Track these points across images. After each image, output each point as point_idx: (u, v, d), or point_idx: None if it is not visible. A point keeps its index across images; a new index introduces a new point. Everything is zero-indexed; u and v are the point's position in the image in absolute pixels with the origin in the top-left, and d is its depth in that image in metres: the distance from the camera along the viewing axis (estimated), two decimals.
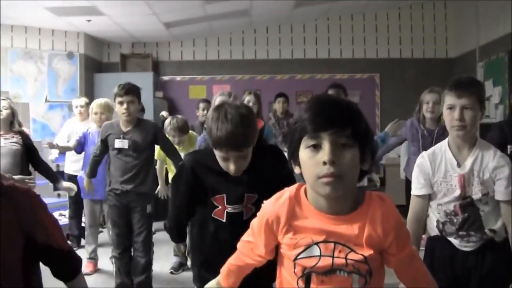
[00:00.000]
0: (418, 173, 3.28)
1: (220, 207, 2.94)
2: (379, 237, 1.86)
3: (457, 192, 3.10)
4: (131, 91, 5.19)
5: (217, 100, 3.94)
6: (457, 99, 3.04)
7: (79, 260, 2.49)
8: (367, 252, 1.84)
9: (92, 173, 5.73)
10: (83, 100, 7.49)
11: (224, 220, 2.95)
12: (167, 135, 6.37)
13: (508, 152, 4.10)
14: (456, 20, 10.93)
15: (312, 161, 1.76)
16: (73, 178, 6.52)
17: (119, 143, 5.26)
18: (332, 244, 1.85)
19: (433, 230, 3.30)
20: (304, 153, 1.79)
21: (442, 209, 3.17)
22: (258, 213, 2.06)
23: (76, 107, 7.47)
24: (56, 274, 2.41)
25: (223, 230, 2.95)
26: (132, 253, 5.50)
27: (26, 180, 4.77)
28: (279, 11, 10.14)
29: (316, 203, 1.88)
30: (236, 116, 2.66)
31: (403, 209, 4.69)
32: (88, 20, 9.09)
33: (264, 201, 2.04)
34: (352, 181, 1.80)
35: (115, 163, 5.34)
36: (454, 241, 3.20)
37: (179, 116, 6.56)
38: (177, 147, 6.38)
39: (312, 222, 1.88)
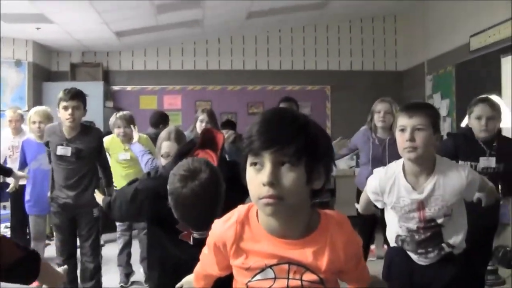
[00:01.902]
0: (370, 191, 3.30)
1: (186, 232, 2.92)
2: (340, 262, 1.84)
3: (415, 216, 3.10)
4: (77, 96, 5.03)
5: (162, 146, 3.84)
6: (408, 119, 3.00)
7: (35, 260, 2.39)
8: (324, 274, 1.82)
9: None
10: (18, 114, 7.13)
11: (192, 243, 2.92)
12: (113, 128, 6.23)
13: None
14: (406, 34, 11.10)
15: (254, 181, 1.70)
16: (18, 190, 6.35)
17: (61, 150, 5.10)
18: (286, 266, 1.81)
19: (393, 241, 3.31)
20: (248, 171, 1.73)
21: (404, 225, 3.17)
22: (210, 232, 2.01)
23: (11, 121, 7.09)
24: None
25: (190, 251, 2.91)
26: (77, 260, 5.41)
27: None
28: (231, 22, 10.14)
29: (267, 224, 1.82)
30: (201, 199, 2.59)
31: (355, 220, 4.73)
32: (37, 28, 8.95)
33: (215, 221, 1.99)
34: (297, 202, 1.73)
35: (58, 169, 5.21)
36: (413, 255, 3.22)
37: (126, 111, 6.50)
38: (123, 146, 6.23)
39: (264, 247, 1.83)
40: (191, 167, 2.64)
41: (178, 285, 2.51)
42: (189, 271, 2.44)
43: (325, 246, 1.82)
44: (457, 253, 3.17)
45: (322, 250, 1.81)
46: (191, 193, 2.56)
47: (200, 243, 2.63)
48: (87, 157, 5.19)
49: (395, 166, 3.19)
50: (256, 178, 1.69)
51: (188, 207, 2.59)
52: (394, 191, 3.12)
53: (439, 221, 3.08)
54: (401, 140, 3.04)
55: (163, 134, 3.96)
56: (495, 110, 4.46)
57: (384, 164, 5.26)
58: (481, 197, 3.52)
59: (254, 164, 1.69)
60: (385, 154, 5.43)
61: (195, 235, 2.90)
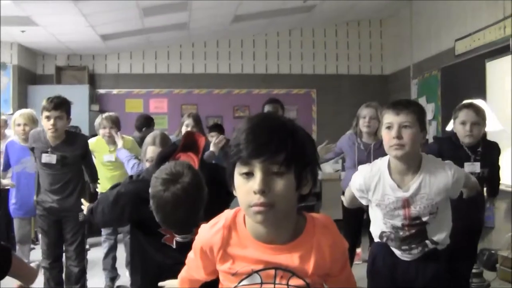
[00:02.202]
0: (355, 188, 3.30)
1: (168, 235, 2.91)
2: (326, 265, 1.85)
3: (400, 214, 3.10)
4: (59, 106, 4.97)
5: (147, 151, 3.84)
6: (395, 117, 3.00)
7: (7, 256, 2.37)
8: (310, 278, 1.81)
9: None
10: (2, 120, 6.95)
11: (175, 247, 2.91)
12: (98, 129, 6.22)
13: None
14: (391, 38, 11.14)
15: (244, 188, 1.69)
16: (3, 193, 6.31)
17: (46, 158, 5.06)
18: (273, 271, 1.81)
19: (377, 237, 3.31)
20: (237, 179, 1.72)
21: (389, 222, 3.18)
22: (196, 236, 2.00)
23: None
24: None
25: (173, 255, 2.90)
26: (64, 263, 5.38)
27: None
28: (217, 26, 10.14)
29: (254, 230, 1.82)
30: (183, 202, 2.59)
31: (341, 223, 4.74)
32: (22, 31, 8.89)
33: (202, 225, 1.98)
34: (287, 209, 1.73)
35: (43, 174, 5.19)
36: (396, 251, 3.23)
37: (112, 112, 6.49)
38: (108, 147, 6.22)
39: (250, 252, 1.82)
40: (174, 170, 2.64)
41: (160, 284, 2.50)
42: (172, 275, 2.44)
43: (311, 249, 1.82)
44: (441, 249, 3.19)
45: (308, 254, 1.81)
46: (172, 197, 2.56)
47: (183, 247, 2.63)
48: (72, 164, 5.17)
49: (380, 163, 3.19)
50: (246, 186, 1.68)
51: (170, 211, 2.58)
52: (379, 188, 3.12)
53: (424, 219, 3.08)
54: (388, 137, 3.03)
55: (148, 138, 3.95)
56: (480, 116, 4.48)
57: None
58: (463, 190, 3.56)
59: (244, 172, 1.68)
60: (370, 158, 5.44)
61: (178, 238, 2.88)
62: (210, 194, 2.72)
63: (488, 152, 4.59)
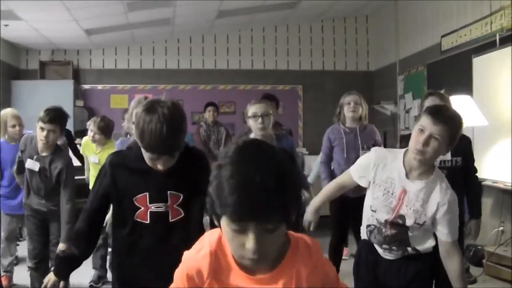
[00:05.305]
0: (358, 165, 3.30)
1: (142, 208, 2.83)
2: None
3: (391, 205, 3.08)
4: (54, 120, 4.88)
5: (134, 115, 3.83)
6: (432, 125, 2.94)
7: None
8: None
9: (19, 170, 5.42)
10: None
11: (148, 222, 2.84)
12: (88, 129, 6.24)
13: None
14: (378, 34, 11.15)
15: (235, 241, 1.60)
16: None
17: (30, 164, 5.03)
18: None
19: (364, 233, 3.30)
20: (226, 229, 1.61)
21: (375, 216, 3.16)
22: (180, 264, 1.91)
23: None
24: None
25: (146, 234, 2.84)
26: (49, 265, 5.31)
27: None
28: (202, 21, 10.10)
29: (238, 259, 1.74)
30: (169, 121, 2.57)
31: (327, 219, 4.70)
32: (5, 25, 8.80)
33: (185, 252, 1.90)
34: (277, 251, 1.69)
35: (29, 178, 5.14)
36: (378, 249, 3.23)
37: (107, 118, 6.47)
38: (95, 149, 6.23)
39: (235, 281, 1.76)
40: (153, 100, 2.69)
41: None
42: (141, 252, 2.44)
43: (292, 277, 1.76)
44: (424, 252, 3.18)
45: (290, 282, 1.75)
46: (158, 116, 2.57)
47: (158, 222, 2.75)
48: (52, 177, 5.05)
49: (397, 150, 3.23)
50: (237, 239, 1.59)
51: (155, 129, 2.57)
52: (388, 169, 3.12)
53: (408, 222, 3.04)
54: (416, 139, 3.00)
55: (133, 103, 4.00)
56: (445, 101, 4.56)
57: (358, 150, 5.38)
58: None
59: (235, 229, 1.57)
60: (357, 140, 5.46)
61: (152, 208, 2.83)
62: (195, 178, 2.72)
63: (459, 142, 4.58)
